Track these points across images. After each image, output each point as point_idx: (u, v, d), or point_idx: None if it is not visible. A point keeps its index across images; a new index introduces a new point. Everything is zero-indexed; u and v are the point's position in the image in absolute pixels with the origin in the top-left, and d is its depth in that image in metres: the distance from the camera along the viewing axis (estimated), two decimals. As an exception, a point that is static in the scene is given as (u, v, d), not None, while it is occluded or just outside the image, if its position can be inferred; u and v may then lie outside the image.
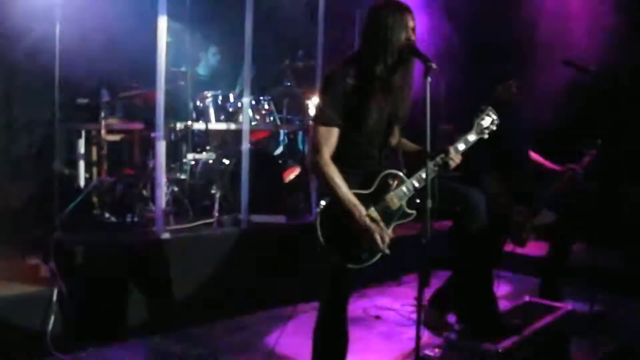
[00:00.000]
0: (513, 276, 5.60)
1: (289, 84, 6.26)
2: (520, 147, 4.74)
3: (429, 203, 2.91)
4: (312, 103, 5.85)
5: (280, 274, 4.84)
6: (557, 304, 4.33)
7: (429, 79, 2.91)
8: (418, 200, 3.18)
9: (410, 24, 3.14)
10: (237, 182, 5.03)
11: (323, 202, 3.07)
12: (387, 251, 3.07)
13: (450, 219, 3.35)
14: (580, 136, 4.83)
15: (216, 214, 4.97)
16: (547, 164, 4.78)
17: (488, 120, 3.42)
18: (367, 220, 3.03)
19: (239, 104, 5.45)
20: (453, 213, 3.30)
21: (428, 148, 2.96)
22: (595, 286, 4.47)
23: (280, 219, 5.11)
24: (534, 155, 4.80)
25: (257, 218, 5.02)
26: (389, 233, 3.09)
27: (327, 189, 3.08)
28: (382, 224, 3.07)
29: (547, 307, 4.14)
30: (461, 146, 3.33)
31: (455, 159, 3.27)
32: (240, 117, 5.36)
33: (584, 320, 4.31)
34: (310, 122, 3.21)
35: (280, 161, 5.79)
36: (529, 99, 4.78)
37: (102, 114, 5.14)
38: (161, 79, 4.41)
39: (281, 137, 6.22)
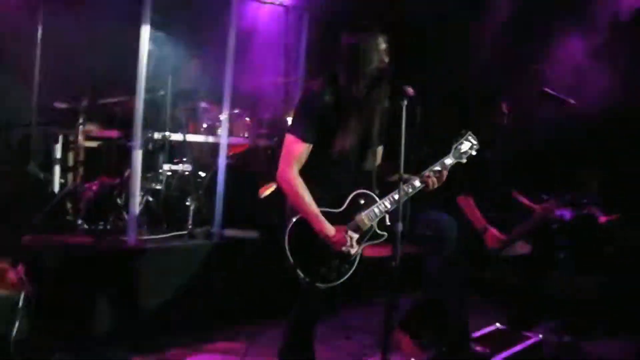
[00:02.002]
0: (485, 302, 5.61)
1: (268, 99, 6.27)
2: (500, 175, 4.77)
3: (400, 226, 2.92)
4: (291, 119, 5.85)
5: (250, 290, 4.82)
6: (527, 333, 4.36)
7: (405, 102, 2.95)
8: (389, 223, 3.19)
9: (382, 46, 3.18)
10: (212, 195, 5.01)
11: (293, 220, 3.08)
12: (352, 251, 3.08)
13: (422, 243, 3.36)
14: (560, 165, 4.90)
15: (189, 226, 4.95)
16: (525, 202, 4.82)
17: (467, 145, 3.45)
18: (329, 230, 3.05)
19: (218, 117, 5.45)
20: (424, 237, 3.32)
21: (402, 171, 2.98)
22: (565, 315, 4.50)
23: (253, 234, 5.09)
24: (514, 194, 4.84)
25: (229, 232, 5.00)
26: (352, 236, 3.09)
27: (291, 200, 3.10)
28: (349, 232, 3.08)
29: (516, 336, 4.17)
30: (437, 168, 3.36)
31: (433, 179, 3.28)
32: (219, 131, 5.36)
33: (553, 350, 4.32)
34: (286, 135, 3.21)
35: (256, 176, 5.78)
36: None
37: (81, 120, 5.11)
38: (141, 88, 4.41)
39: (258, 152, 6.19)
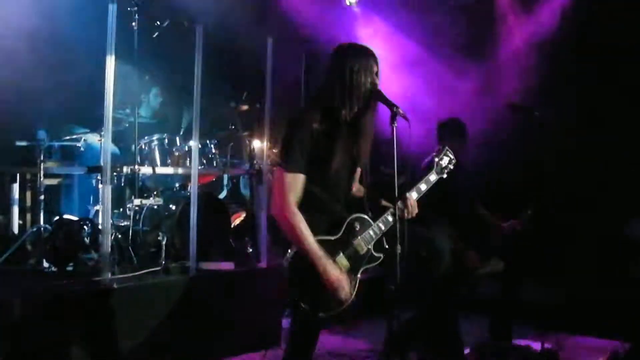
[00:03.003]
0: (466, 317, 5.62)
1: (233, 127, 6.17)
2: (467, 195, 4.83)
3: (399, 248, 2.88)
4: (257, 146, 5.78)
5: (231, 322, 4.69)
6: (511, 344, 4.40)
7: (396, 123, 2.93)
8: (387, 246, 3.16)
9: (375, 68, 3.16)
10: (183, 227, 4.86)
11: (290, 252, 2.99)
12: (350, 300, 3.02)
13: (416, 264, 3.32)
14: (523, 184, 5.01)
15: (163, 261, 4.77)
16: (492, 219, 4.91)
17: (446, 160, 3.50)
18: (331, 274, 2.96)
19: (186, 148, 5.31)
20: (418, 257, 3.29)
21: (397, 192, 2.95)
22: (543, 324, 4.54)
23: (229, 265, 4.97)
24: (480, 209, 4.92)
25: (205, 265, 4.85)
26: (350, 280, 3.03)
27: (292, 239, 2.99)
28: (344, 276, 3.01)
29: (503, 349, 4.20)
30: (423, 187, 3.38)
31: (412, 205, 3.27)
32: (187, 161, 5.22)
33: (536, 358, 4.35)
34: (275, 168, 3.14)
35: (226, 206, 5.66)
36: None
37: (41, 157, 4.88)
38: (109, 121, 4.23)
39: (225, 182, 6.09)
